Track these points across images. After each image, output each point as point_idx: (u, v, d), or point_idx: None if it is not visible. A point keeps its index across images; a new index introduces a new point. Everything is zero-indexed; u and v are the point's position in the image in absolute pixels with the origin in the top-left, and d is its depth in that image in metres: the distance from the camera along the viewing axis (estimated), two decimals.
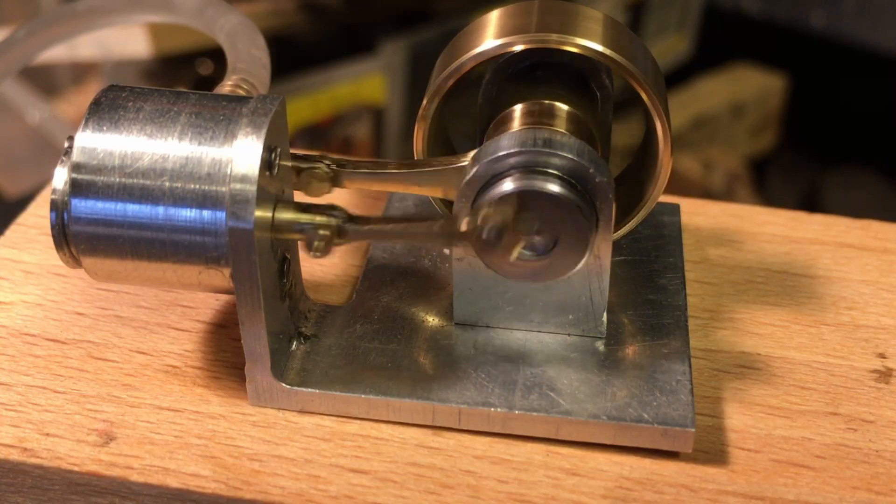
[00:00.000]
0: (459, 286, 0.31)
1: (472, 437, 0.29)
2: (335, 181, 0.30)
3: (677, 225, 0.36)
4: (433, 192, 0.30)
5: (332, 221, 0.28)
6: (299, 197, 0.30)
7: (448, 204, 0.32)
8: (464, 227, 0.27)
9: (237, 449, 0.28)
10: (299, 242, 0.29)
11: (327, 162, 0.30)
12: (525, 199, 0.28)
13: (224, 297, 0.33)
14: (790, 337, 0.33)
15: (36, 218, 0.37)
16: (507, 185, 0.28)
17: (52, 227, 0.28)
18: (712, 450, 0.29)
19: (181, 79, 0.96)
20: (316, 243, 0.28)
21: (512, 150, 0.28)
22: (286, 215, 0.28)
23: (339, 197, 0.35)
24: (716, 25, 1.40)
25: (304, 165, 0.30)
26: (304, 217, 0.28)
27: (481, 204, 0.28)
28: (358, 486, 0.27)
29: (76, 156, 0.28)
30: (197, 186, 0.27)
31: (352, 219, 0.28)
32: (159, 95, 0.29)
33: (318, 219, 0.28)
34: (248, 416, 0.29)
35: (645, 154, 0.32)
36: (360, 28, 1.08)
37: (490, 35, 0.29)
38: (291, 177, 0.30)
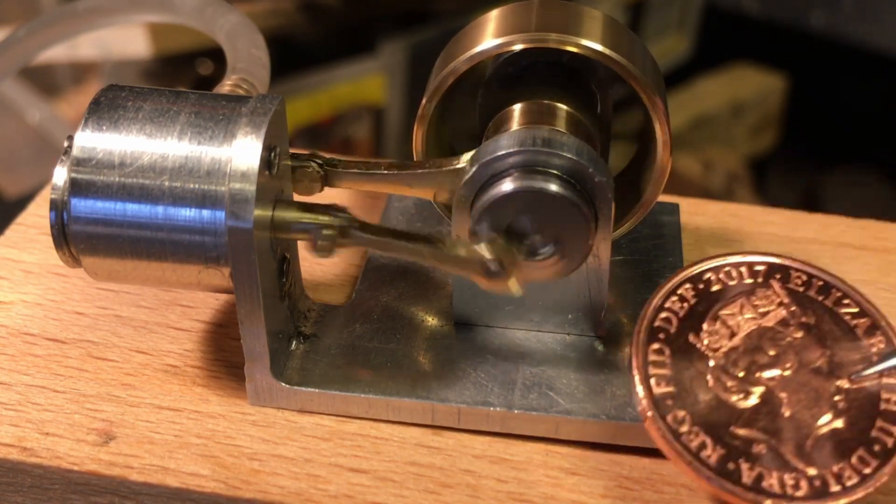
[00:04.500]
0: (458, 286, 0.31)
1: (471, 437, 0.29)
2: (326, 180, 0.30)
3: (677, 225, 0.36)
4: (425, 194, 0.30)
5: (336, 222, 0.27)
6: (299, 197, 0.30)
7: (446, 206, 0.32)
8: (464, 252, 0.27)
9: (236, 448, 0.28)
10: (302, 242, 0.29)
11: (318, 161, 0.30)
12: (518, 203, 0.28)
13: (223, 297, 0.33)
14: None
15: (36, 217, 0.37)
16: (507, 185, 0.28)
17: (52, 227, 0.28)
18: None
19: (181, 79, 0.96)
20: (320, 243, 0.27)
21: (511, 150, 0.28)
22: (286, 214, 0.28)
23: (338, 194, 0.35)
24: (716, 25, 1.41)
25: (295, 164, 0.30)
26: (308, 216, 0.28)
27: (480, 236, 0.28)
28: (357, 485, 0.27)
29: (76, 155, 0.28)
30: (196, 186, 0.27)
31: (356, 223, 0.28)
32: (159, 95, 0.29)
33: (322, 218, 0.27)
34: (247, 415, 0.29)
35: (644, 154, 0.32)
36: (360, 28, 1.08)
37: (489, 34, 0.29)
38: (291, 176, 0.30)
